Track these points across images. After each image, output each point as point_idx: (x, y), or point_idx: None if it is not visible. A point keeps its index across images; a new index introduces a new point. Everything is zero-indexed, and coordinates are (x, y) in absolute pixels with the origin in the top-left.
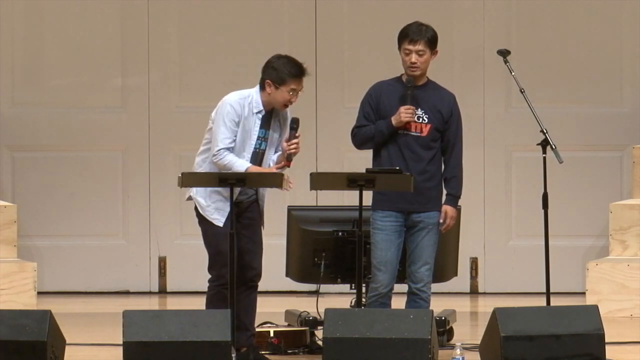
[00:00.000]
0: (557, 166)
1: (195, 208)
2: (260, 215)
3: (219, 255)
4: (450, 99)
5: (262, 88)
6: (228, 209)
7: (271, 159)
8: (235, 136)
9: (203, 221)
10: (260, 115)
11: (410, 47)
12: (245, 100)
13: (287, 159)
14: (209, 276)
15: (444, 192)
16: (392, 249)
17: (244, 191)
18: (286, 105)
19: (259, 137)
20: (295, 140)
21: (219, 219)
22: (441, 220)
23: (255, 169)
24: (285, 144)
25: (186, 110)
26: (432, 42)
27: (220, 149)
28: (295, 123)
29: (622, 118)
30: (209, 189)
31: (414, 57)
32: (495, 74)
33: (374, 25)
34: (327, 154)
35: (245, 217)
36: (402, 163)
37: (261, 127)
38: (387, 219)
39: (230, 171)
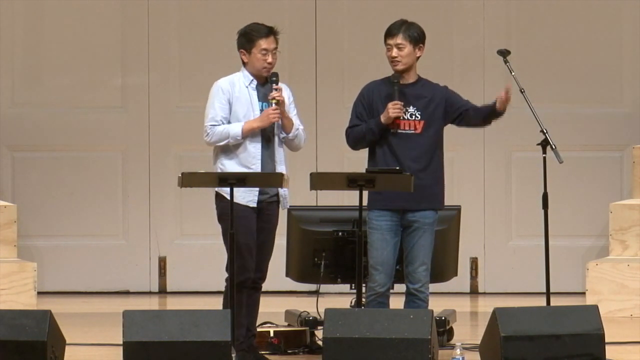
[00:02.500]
0: (557, 166)
1: (220, 201)
2: (277, 218)
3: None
4: (442, 89)
5: (243, 63)
6: (256, 190)
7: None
8: (228, 115)
9: (224, 216)
10: (254, 86)
11: (390, 41)
12: (234, 77)
13: (275, 105)
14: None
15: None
16: (387, 248)
17: (264, 190)
18: (266, 69)
19: (263, 110)
20: (276, 93)
21: (252, 199)
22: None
23: (250, 123)
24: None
25: (186, 110)
26: (413, 37)
27: (207, 126)
28: (274, 76)
29: (622, 118)
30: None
31: (394, 52)
32: (495, 74)
33: (374, 25)
34: (327, 154)
35: (261, 220)
36: (396, 162)
37: (261, 99)
38: (382, 218)
39: (226, 140)
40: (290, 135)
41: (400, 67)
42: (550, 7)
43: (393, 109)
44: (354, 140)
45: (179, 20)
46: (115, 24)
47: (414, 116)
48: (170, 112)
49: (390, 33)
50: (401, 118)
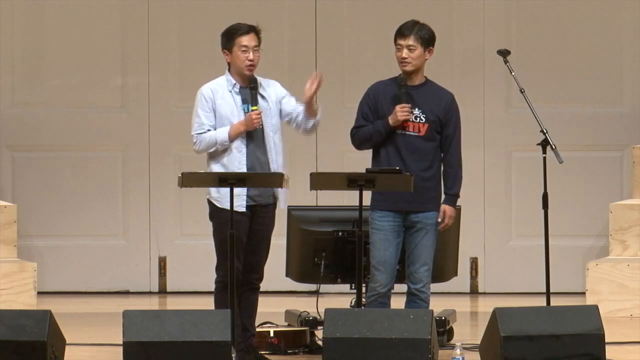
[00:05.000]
0: (557, 166)
1: (210, 205)
2: (274, 220)
3: (224, 256)
4: (448, 98)
5: (228, 65)
6: (244, 194)
7: (272, 138)
8: (214, 122)
9: (214, 217)
10: (237, 90)
11: (401, 42)
12: (216, 83)
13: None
14: (215, 276)
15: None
16: (390, 248)
17: (257, 194)
18: (249, 68)
19: (247, 112)
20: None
21: (240, 204)
22: (439, 220)
23: (236, 127)
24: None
25: (186, 110)
26: (425, 39)
27: (194, 135)
28: (253, 82)
29: (622, 118)
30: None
31: (404, 52)
32: (495, 74)
33: (374, 25)
34: (327, 154)
35: (255, 222)
36: (400, 163)
37: (245, 102)
38: (385, 218)
39: (215, 146)
40: (318, 117)
41: (409, 68)
42: (550, 7)
43: (401, 112)
44: (360, 140)
45: (179, 20)
46: (115, 24)
47: (418, 119)
48: (170, 112)
49: (401, 33)
50: (408, 120)
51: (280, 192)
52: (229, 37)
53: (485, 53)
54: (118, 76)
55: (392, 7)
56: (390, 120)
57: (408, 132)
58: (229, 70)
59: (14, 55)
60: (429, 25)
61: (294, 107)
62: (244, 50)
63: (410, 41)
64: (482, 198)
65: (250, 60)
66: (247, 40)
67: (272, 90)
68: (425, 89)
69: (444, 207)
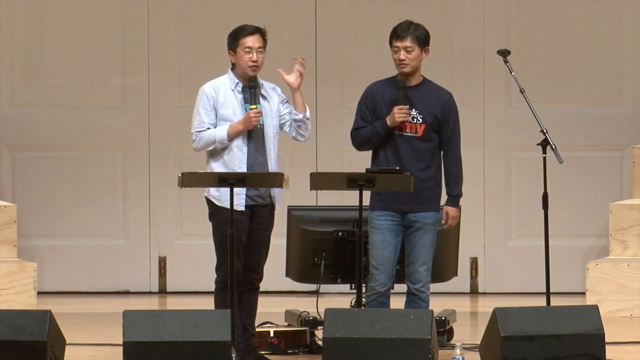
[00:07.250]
0: (557, 166)
1: (210, 204)
2: (272, 219)
3: (224, 256)
4: (445, 97)
5: (232, 65)
6: (243, 192)
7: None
8: (214, 120)
9: (214, 217)
10: (239, 89)
11: (398, 43)
12: (219, 82)
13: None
14: (214, 276)
15: (444, 192)
16: (388, 248)
17: (256, 194)
18: (253, 68)
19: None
20: (255, 111)
21: (239, 203)
22: (442, 222)
23: (235, 126)
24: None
25: (186, 110)
26: (421, 39)
27: (193, 132)
28: (253, 81)
29: (622, 118)
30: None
31: (402, 54)
32: (495, 74)
33: (374, 25)
34: (327, 154)
35: (255, 222)
36: (398, 164)
37: (246, 101)
38: (383, 218)
39: (213, 144)
40: (308, 114)
41: (407, 69)
42: (550, 7)
43: (399, 113)
44: (360, 142)
45: (179, 20)
46: (115, 24)
47: (415, 119)
48: (170, 112)
49: (398, 35)
50: (406, 121)
51: (276, 193)
52: (234, 37)
53: (485, 53)
54: (118, 76)
55: (392, 7)
56: (388, 121)
57: (405, 133)
58: (232, 70)
59: (14, 55)
60: (423, 25)
61: (290, 109)
62: (247, 51)
63: (408, 42)
64: (482, 198)
65: (253, 62)
66: (251, 41)
67: (274, 93)
68: (423, 89)
69: (447, 209)
